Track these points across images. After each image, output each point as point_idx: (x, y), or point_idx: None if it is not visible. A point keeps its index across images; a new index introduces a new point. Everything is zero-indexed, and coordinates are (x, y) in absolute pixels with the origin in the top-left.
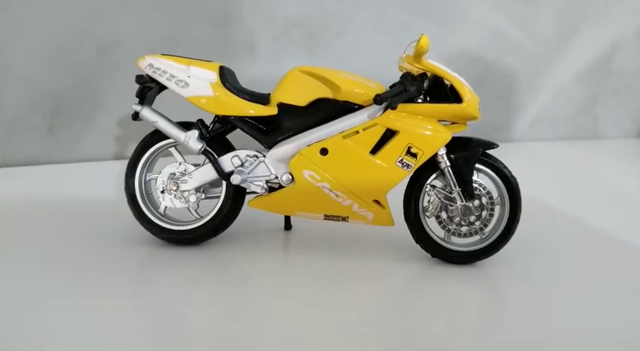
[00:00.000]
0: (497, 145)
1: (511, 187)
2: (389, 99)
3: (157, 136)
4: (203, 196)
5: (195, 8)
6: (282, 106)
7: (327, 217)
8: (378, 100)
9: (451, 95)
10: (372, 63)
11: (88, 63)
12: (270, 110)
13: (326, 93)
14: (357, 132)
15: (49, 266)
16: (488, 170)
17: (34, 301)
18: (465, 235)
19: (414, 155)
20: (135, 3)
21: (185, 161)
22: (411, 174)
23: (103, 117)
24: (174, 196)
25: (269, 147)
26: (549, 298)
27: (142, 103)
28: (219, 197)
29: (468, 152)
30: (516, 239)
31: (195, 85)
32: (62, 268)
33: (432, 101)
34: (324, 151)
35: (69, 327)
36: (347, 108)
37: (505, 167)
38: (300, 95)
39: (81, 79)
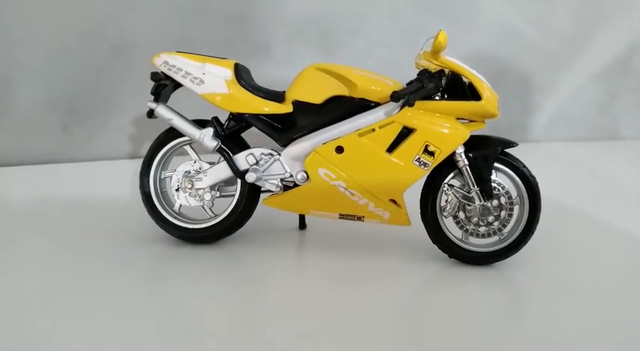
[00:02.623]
0: (517, 144)
1: (530, 186)
2: (406, 96)
3: (172, 133)
4: (218, 194)
5: (210, 7)
6: (297, 104)
7: (342, 217)
8: (395, 97)
9: (469, 93)
10: (385, 62)
11: (103, 62)
12: (286, 108)
13: (342, 90)
14: (374, 130)
15: (63, 263)
16: (508, 169)
17: (48, 298)
18: (483, 236)
19: (432, 154)
20: (150, 2)
21: (200, 159)
22: (428, 173)
23: (118, 116)
24: (189, 194)
25: (284, 145)
26: (568, 300)
27: (156, 100)
28: (233, 195)
29: (487, 151)
30: (535, 240)
31: (210, 82)
32: (76, 265)
33: (450, 99)
34: (339, 149)
35: (82, 324)
36: (363, 105)
37: (524, 166)
38: (316, 93)
39: (96, 78)
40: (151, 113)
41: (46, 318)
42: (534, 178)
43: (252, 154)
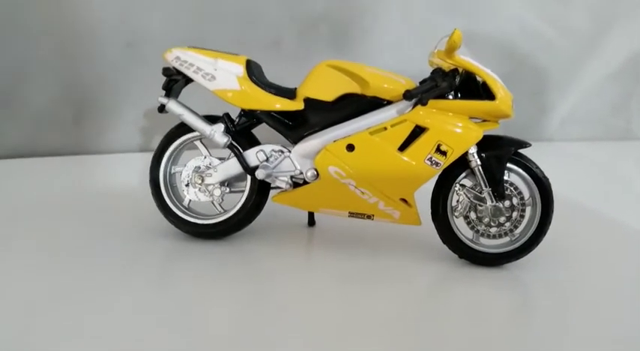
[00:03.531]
0: (530, 145)
1: (543, 187)
2: (419, 95)
3: (183, 129)
4: (227, 190)
5: (223, 4)
6: (308, 101)
7: (351, 215)
8: (408, 95)
9: (483, 92)
10: (399, 59)
11: (116, 57)
12: (297, 105)
13: (354, 88)
14: (385, 128)
15: (72, 257)
16: (520, 170)
17: (56, 292)
18: (495, 237)
19: (444, 153)
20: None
21: (210, 155)
22: (440, 172)
23: (129, 109)
24: (199, 189)
25: (294, 142)
26: (579, 303)
27: (168, 95)
28: (243, 191)
29: (500, 151)
30: (547, 241)
31: (221, 78)
32: (84, 259)
33: (463, 98)
34: (350, 147)
35: (90, 318)
36: (375, 103)
37: (537, 167)
38: (327, 90)
39: (108, 72)
40: (162, 108)
41: (49, 311)
42: (547, 179)
43: (262, 150)
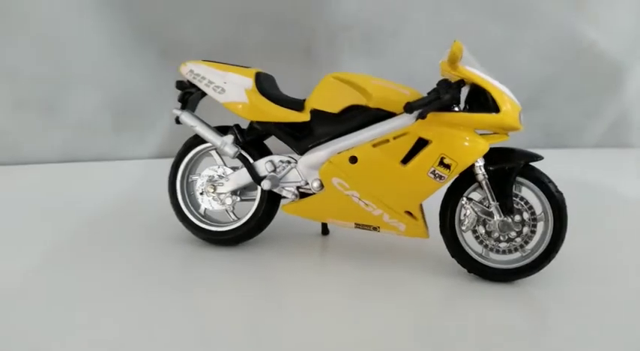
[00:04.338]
0: (542, 158)
1: (556, 202)
2: (419, 107)
3: (200, 139)
4: (238, 199)
5: (254, 12)
6: (315, 113)
7: (358, 226)
8: (408, 108)
9: (492, 104)
10: (429, 64)
11: (152, 65)
12: (303, 116)
13: (358, 100)
14: (388, 140)
15: (94, 257)
16: (532, 184)
17: (75, 291)
18: (504, 252)
19: (448, 166)
20: (198, 8)
21: (224, 164)
22: (449, 184)
23: (164, 117)
24: (212, 198)
25: (301, 153)
26: (593, 323)
27: (183, 107)
28: (254, 200)
29: (509, 164)
30: (566, 255)
31: (231, 91)
32: (104, 259)
33: (469, 110)
34: (353, 160)
35: (107, 321)
36: (379, 115)
37: (550, 182)
38: (333, 102)
39: (145, 80)
40: (177, 120)
41: (71, 315)
42: (561, 194)
43: (271, 161)
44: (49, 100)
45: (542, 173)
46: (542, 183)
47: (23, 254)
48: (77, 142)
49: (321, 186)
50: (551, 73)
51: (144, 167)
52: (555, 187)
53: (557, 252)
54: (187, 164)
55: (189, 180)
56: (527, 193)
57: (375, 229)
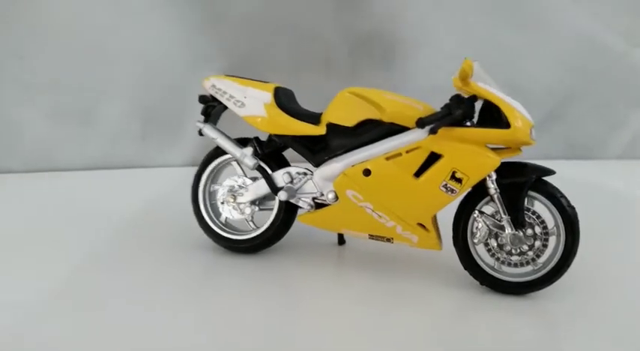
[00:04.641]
0: (554, 172)
1: (568, 217)
2: (431, 123)
3: (221, 150)
4: (257, 208)
5: (278, 25)
6: (330, 126)
7: (372, 237)
8: (420, 123)
9: (504, 119)
10: (453, 76)
11: (179, 76)
12: (319, 130)
13: (373, 114)
14: (401, 154)
15: (119, 262)
16: (544, 198)
17: (98, 294)
18: (516, 265)
19: (459, 180)
20: (224, 22)
21: (244, 175)
22: (462, 197)
23: (191, 126)
24: (233, 207)
25: (317, 165)
26: (605, 337)
27: (206, 120)
28: (272, 210)
29: (521, 179)
30: (581, 268)
31: (250, 105)
32: (129, 264)
33: (481, 125)
34: (367, 172)
35: (129, 326)
36: (393, 130)
37: (563, 196)
38: (348, 116)
39: (171, 92)
40: (200, 132)
41: (90, 320)
42: (573, 208)
43: (288, 172)
44: (87, 110)
45: (554, 187)
46: (555, 197)
47: (55, 257)
48: (109, 150)
49: (336, 197)
50: (575, 83)
51: (171, 174)
52: (568, 201)
53: (569, 266)
54: (209, 174)
55: (211, 189)
56: (540, 207)
57: (388, 240)
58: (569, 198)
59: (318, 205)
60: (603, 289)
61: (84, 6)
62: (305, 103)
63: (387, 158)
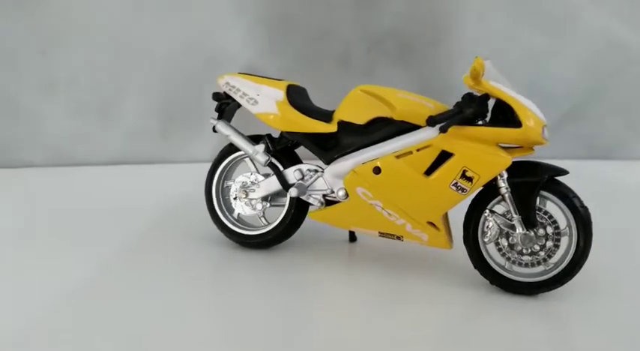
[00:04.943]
0: (567, 172)
1: (580, 218)
2: (442, 121)
3: (234, 147)
4: (268, 204)
5: (294, 23)
6: (342, 124)
7: (382, 235)
8: (430, 121)
9: (517, 118)
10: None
11: (197, 74)
12: (331, 127)
13: (384, 112)
14: (411, 152)
15: (136, 254)
16: (556, 199)
17: (111, 286)
18: (527, 265)
19: (470, 179)
20: (241, 20)
21: (257, 171)
22: (474, 196)
23: (208, 123)
24: (245, 203)
25: (327, 163)
26: (616, 339)
27: (220, 117)
28: (283, 206)
29: (533, 178)
30: (593, 269)
31: (263, 103)
32: (141, 257)
33: (493, 124)
34: (377, 170)
35: (143, 321)
36: (404, 128)
37: (575, 196)
38: (360, 114)
39: (190, 88)
40: (214, 129)
41: (105, 313)
42: (586, 209)
43: (299, 169)
44: (107, 106)
45: (567, 187)
46: (567, 198)
47: (76, 251)
48: (128, 145)
49: (346, 195)
50: (597, 83)
51: (188, 170)
52: (580, 202)
53: (580, 267)
54: (223, 170)
55: (224, 185)
56: (553, 207)
57: (398, 238)
58: (587, 198)
59: (329, 203)
60: (617, 290)
61: (105, 3)
62: (322, 100)
63: (398, 156)
